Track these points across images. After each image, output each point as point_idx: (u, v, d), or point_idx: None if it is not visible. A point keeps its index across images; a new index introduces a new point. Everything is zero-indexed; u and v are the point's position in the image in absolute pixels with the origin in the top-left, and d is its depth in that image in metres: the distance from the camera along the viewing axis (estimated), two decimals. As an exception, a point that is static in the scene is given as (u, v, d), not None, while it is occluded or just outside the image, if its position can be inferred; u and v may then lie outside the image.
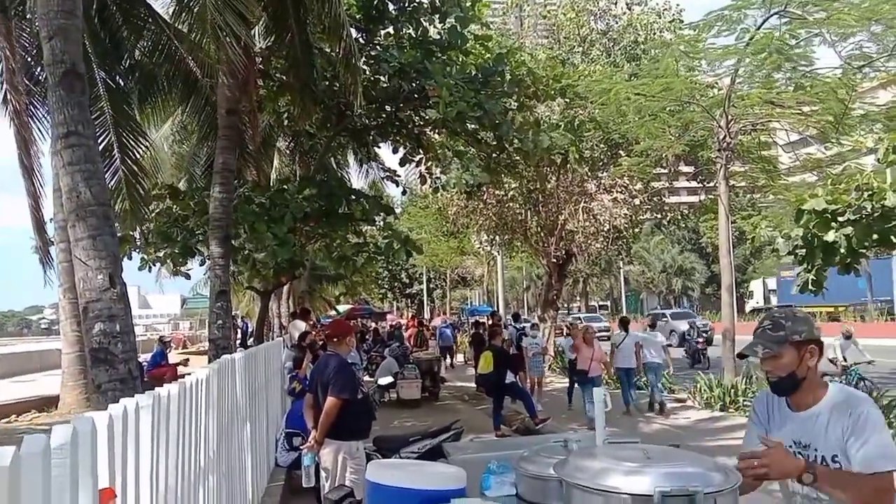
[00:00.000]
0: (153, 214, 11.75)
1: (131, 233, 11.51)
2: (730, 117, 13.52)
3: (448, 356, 22.71)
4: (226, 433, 4.03)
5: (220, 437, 3.76)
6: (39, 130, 12.49)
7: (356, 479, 4.93)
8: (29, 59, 11.86)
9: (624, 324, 13.18)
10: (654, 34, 19.47)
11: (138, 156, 10.99)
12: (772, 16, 12.40)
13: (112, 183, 10.49)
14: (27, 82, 11.97)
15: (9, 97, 11.86)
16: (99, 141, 9.31)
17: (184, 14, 9.94)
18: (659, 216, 22.90)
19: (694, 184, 23.30)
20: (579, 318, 32.77)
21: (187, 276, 13.44)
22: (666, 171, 19.87)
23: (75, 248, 5.02)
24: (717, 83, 15.23)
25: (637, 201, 19.11)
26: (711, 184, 18.29)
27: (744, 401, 11.99)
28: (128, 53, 11.08)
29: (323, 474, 5.15)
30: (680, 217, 24.94)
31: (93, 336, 4.86)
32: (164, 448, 2.48)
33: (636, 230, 22.05)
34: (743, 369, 13.13)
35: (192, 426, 2.99)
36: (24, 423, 11.59)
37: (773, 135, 17.19)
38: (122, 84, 11.11)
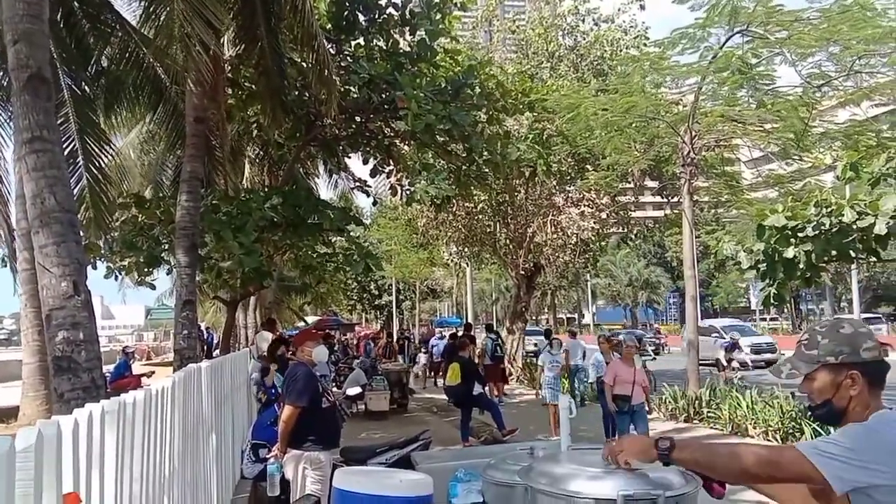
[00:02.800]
0: (118, 223, 11.58)
1: (96, 241, 11.32)
2: (693, 133, 13.81)
3: (440, 372, 20.70)
4: (191, 443, 3.99)
5: (184, 446, 3.73)
6: (1, 136, 12.27)
7: (318, 490, 4.91)
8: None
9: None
10: (621, 50, 19.82)
11: (103, 163, 10.84)
12: (734, 34, 12.73)
13: (76, 190, 10.32)
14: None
15: None
16: (63, 147, 9.16)
17: (150, 20, 9.87)
18: (625, 230, 23.26)
19: (659, 198, 23.71)
20: (617, 334, 32.57)
21: (152, 287, 13.23)
22: (632, 185, 20.20)
23: (39, 255, 4.94)
24: (681, 100, 15.56)
25: (604, 215, 19.40)
26: (676, 199, 18.64)
27: (707, 412, 12.19)
28: (94, 59, 10.93)
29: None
30: (645, 231, 25.34)
31: (56, 344, 4.78)
32: (129, 455, 2.46)
33: (603, 243, 22.37)
34: (707, 381, 13.34)
35: (156, 434, 2.97)
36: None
37: (736, 151, 17.60)
38: (88, 90, 10.96)
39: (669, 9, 14.66)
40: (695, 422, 12.33)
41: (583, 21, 21.23)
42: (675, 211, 19.91)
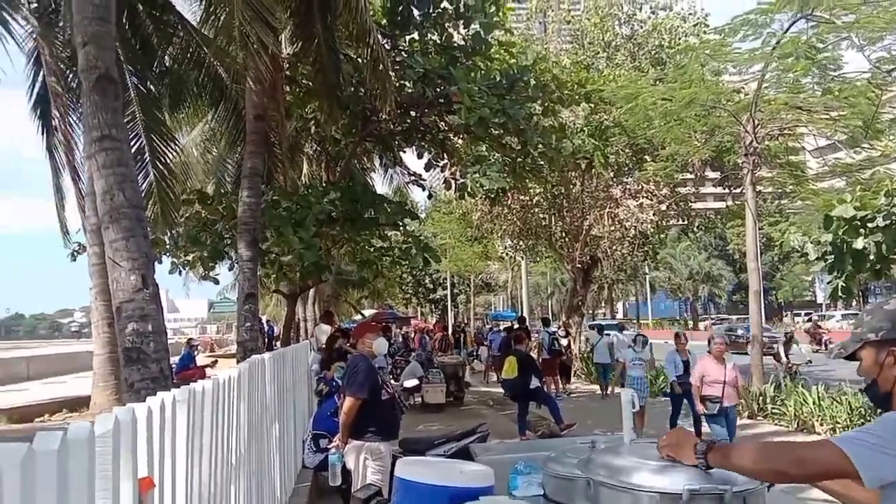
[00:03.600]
0: (183, 218, 11.93)
1: (162, 236, 11.69)
2: (756, 122, 13.40)
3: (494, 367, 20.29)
4: (256, 432, 4.09)
5: (250, 435, 3.82)
6: (74, 136, 12.79)
7: (379, 480, 4.97)
8: (61, 66, 12.13)
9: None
10: (679, 39, 19.38)
11: (169, 160, 11.17)
12: (799, 20, 12.28)
13: (143, 187, 10.67)
14: (60, 89, 12.25)
15: (54, 102, 12.16)
16: (131, 145, 9.48)
17: (211, 20, 10.11)
18: (685, 221, 22.75)
19: (720, 189, 23.12)
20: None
21: (216, 281, 13.63)
22: (692, 176, 19.75)
23: (109, 250, 5.11)
24: (743, 88, 15.11)
25: (663, 206, 19.00)
26: (738, 189, 18.14)
27: (772, 408, 11.85)
28: (158, 59, 11.27)
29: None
30: (706, 223, 24.74)
31: (126, 336, 4.95)
32: (199, 442, 2.53)
33: (662, 235, 21.91)
34: (771, 377, 12.96)
35: (224, 423, 3.05)
36: (57, 421, 11.82)
37: (801, 140, 17.01)
38: (153, 89, 11.30)
39: (728, -4, 14.24)
40: (759, 418, 12.00)
41: (640, 9, 20.88)
42: (738, 202, 19.39)
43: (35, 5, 12.08)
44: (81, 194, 12.85)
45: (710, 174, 21.51)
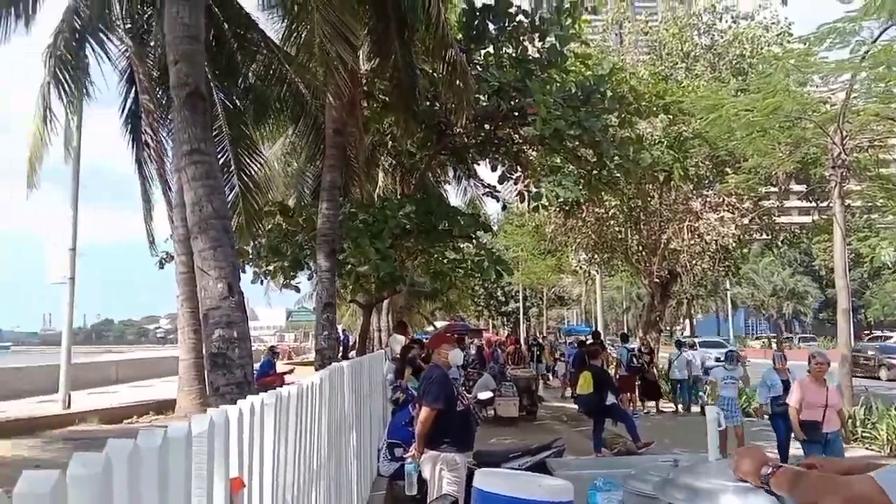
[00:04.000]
0: (265, 229, 12.33)
1: (245, 247, 12.11)
2: (844, 133, 12.84)
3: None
4: (335, 438, 4.16)
5: (330, 441, 3.89)
6: (160, 149, 13.40)
7: (454, 491, 4.96)
8: (152, 83, 12.78)
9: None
10: (762, 48, 18.77)
11: (253, 172, 11.60)
12: (890, 27, 11.72)
13: (228, 198, 11.09)
14: (151, 105, 12.90)
15: (146, 119, 12.82)
16: (218, 158, 9.88)
17: (293, 37, 10.46)
18: (769, 236, 21.91)
19: (806, 203, 22.17)
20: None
21: (297, 290, 14.01)
22: (776, 189, 19.03)
23: (197, 259, 5.34)
24: (829, 98, 14.51)
25: (746, 220, 18.36)
26: (825, 203, 17.37)
27: (862, 432, 11.24)
28: (243, 76, 11.74)
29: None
30: (791, 237, 23.76)
31: (212, 341, 5.14)
32: (284, 446, 2.60)
33: (745, 250, 21.16)
34: (861, 399, 12.30)
35: (307, 428, 3.12)
36: (145, 423, 12.35)
37: (893, 151, 16.18)
38: (238, 104, 11.76)
39: (809, 7, 13.72)
40: (850, 443, 11.39)
41: (720, 19, 20.35)
42: (824, 216, 18.54)
43: (129, 26, 12.76)
44: (170, 205, 13.43)
45: (795, 187, 20.68)
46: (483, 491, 2.58)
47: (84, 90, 11.90)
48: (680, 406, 16.67)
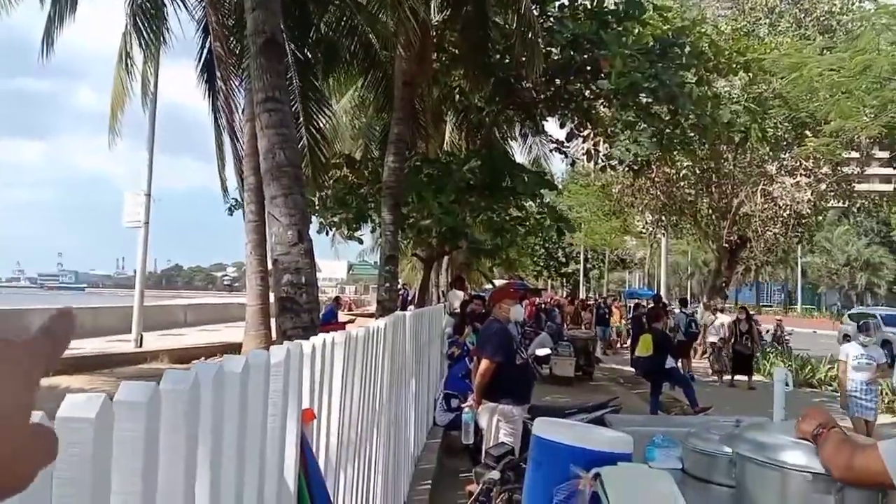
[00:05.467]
0: (331, 181, 12.51)
1: (311, 198, 12.33)
2: (939, 95, 12.07)
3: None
4: (396, 384, 4.28)
5: (391, 385, 4.00)
6: (232, 99, 13.63)
7: (511, 442, 5.04)
8: (226, 32, 12.93)
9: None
10: (853, 4, 17.70)
11: (321, 125, 11.71)
12: None
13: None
14: (224, 54, 13.09)
15: (218, 66, 13.03)
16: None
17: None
18: (846, 203, 20.98)
19: (889, 170, 21.06)
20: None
21: (360, 241, 14.25)
22: (857, 154, 18.13)
23: (269, 205, 5.48)
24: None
25: (823, 186, 17.60)
26: (911, 170, 16.50)
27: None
28: (314, 27, 11.77)
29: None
30: (870, 206, 22.69)
31: (281, 286, 5.31)
32: (351, 385, 2.70)
33: (820, 217, 20.35)
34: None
35: (371, 370, 3.22)
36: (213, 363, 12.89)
37: None
38: (309, 56, 11.82)
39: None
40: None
41: (810, -29, 19.23)
42: (909, 184, 17.63)
43: (205, -27, 12.90)
44: (238, 155, 13.73)
45: (879, 154, 19.65)
46: (543, 439, 2.62)
47: (162, 38, 12.17)
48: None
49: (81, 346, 12.76)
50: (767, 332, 19.66)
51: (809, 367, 15.33)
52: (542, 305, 24.07)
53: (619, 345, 22.22)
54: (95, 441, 0.96)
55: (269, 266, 7.62)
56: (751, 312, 16.92)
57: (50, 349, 0.40)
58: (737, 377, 15.03)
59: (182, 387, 1.25)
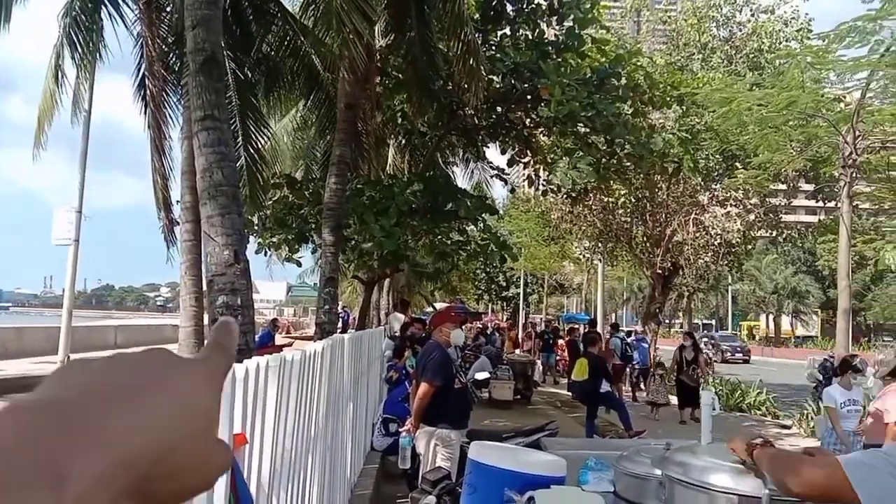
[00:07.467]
0: (271, 202, 12.34)
1: (250, 218, 12.13)
2: (857, 133, 12.78)
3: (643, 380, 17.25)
4: (333, 408, 4.22)
5: (328, 410, 3.95)
6: (169, 116, 13.35)
7: (448, 467, 5.03)
8: (165, 48, 12.70)
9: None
10: (780, 43, 18.65)
11: (260, 145, 11.57)
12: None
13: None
14: (163, 71, 12.84)
15: (147, 83, 12.76)
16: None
17: (310, 9, 10.40)
18: (774, 233, 21.90)
19: (813, 202, 22.14)
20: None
21: (299, 263, 14.06)
22: (784, 186, 18.99)
23: (205, 225, 5.36)
24: (844, 97, 14.45)
25: (752, 216, 18.33)
26: (833, 203, 17.36)
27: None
28: (256, 46, 11.67)
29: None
30: (796, 236, 23.74)
31: (216, 307, 5.18)
32: (285, 409, 2.65)
33: (749, 246, 21.14)
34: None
35: (307, 394, 3.17)
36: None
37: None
38: (250, 75, 11.70)
39: (831, 2, 13.62)
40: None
41: (739, 11, 20.18)
42: (831, 216, 18.55)
43: (145, -11, 12.68)
44: (163, 172, 13.43)
45: (804, 186, 20.63)
46: (478, 462, 2.63)
47: (97, 53, 11.85)
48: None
49: (3, 369, 12.16)
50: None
51: (739, 391, 15.80)
52: (485, 328, 24.23)
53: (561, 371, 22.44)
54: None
55: (205, 287, 7.45)
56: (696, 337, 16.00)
57: (225, 363, 0.41)
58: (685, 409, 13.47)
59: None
